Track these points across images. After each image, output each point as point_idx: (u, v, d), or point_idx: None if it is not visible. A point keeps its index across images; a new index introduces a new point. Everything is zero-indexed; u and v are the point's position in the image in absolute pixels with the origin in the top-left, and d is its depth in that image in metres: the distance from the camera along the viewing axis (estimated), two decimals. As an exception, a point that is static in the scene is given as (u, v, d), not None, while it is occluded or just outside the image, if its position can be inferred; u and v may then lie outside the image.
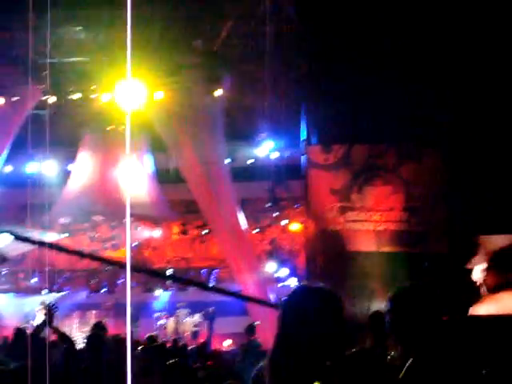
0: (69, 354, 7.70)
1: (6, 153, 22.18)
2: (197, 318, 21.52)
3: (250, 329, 15.76)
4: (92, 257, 22.01)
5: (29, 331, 9.43)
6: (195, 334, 22.02)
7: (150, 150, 26.67)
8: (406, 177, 19.47)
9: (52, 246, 8.18)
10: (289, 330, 3.41)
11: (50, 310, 8.34)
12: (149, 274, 23.84)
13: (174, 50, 19.61)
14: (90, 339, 7.97)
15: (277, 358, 3.43)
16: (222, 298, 21.56)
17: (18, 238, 5.15)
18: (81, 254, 21.34)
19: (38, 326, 8.42)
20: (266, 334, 16.66)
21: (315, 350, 3.37)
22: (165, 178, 26.28)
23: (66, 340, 8.23)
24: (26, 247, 22.31)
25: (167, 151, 23.35)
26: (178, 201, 26.30)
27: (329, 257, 19.66)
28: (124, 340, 7.78)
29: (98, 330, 8.56)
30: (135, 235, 26.37)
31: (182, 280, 23.20)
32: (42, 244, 7.30)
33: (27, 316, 23.35)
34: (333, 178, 19.97)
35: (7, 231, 5.25)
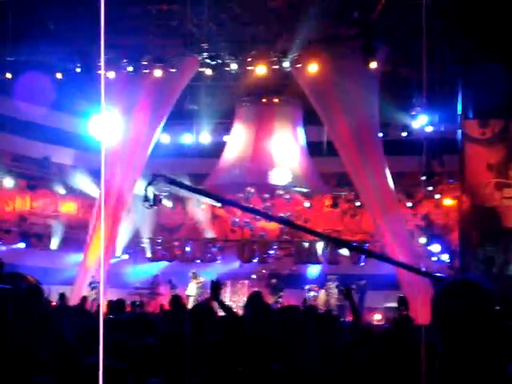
0: (228, 324, 7.70)
1: (163, 123, 22.70)
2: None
3: (402, 302, 15.52)
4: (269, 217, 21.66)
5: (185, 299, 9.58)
6: (342, 308, 21.90)
7: (303, 122, 26.78)
8: None
9: (204, 194, 8.17)
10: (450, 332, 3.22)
11: (217, 286, 8.31)
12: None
13: (330, 21, 19.53)
14: (255, 309, 7.82)
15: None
16: (374, 272, 21.47)
17: (174, 183, 5.25)
18: (246, 209, 20.54)
19: (204, 299, 8.52)
20: (418, 309, 16.50)
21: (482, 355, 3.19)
22: (317, 150, 26.33)
23: (227, 311, 8.22)
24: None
25: (320, 124, 23.33)
26: (329, 174, 26.31)
27: (484, 233, 19.30)
28: (287, 309, 7.71)
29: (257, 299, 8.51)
30: (287, 206, 26.55)
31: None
32: (196, 191, 7.35)
33: (181, 284, 23.95)
34: (489, 153, 19.57)
35: (163, 176, 5.36)
